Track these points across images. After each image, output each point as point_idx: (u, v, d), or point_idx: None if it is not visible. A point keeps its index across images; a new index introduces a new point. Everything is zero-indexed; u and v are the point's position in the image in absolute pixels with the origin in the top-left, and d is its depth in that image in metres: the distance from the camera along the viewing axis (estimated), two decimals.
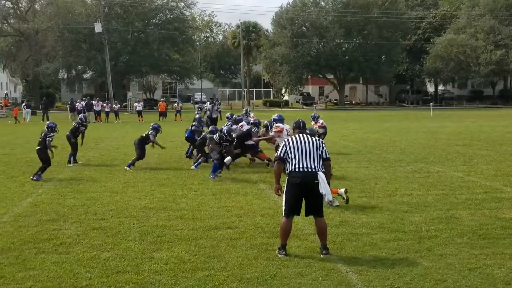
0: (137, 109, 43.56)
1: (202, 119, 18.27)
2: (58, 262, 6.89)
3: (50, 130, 13.61)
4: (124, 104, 59.46)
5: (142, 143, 15.35)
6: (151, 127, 15.64)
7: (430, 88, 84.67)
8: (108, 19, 64.54)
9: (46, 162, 13.38)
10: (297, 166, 7.07)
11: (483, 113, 51.81)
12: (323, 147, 7.28)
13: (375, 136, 25.15)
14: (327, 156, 7.34)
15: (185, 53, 73.33)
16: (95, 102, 42.98)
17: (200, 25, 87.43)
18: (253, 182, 12.67)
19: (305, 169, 7.03)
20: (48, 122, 14.43)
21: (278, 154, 7.30)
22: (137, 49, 66.68)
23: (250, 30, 78.44)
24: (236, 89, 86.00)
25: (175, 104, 46.07)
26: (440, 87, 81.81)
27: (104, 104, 43.03)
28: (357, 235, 8.03)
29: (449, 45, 66.72)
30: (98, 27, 57.55)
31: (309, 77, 77.64)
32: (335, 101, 76.82)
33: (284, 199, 7.22)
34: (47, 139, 13.45)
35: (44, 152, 13.41)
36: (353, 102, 79.25)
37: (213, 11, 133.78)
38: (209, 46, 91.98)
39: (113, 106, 44.09)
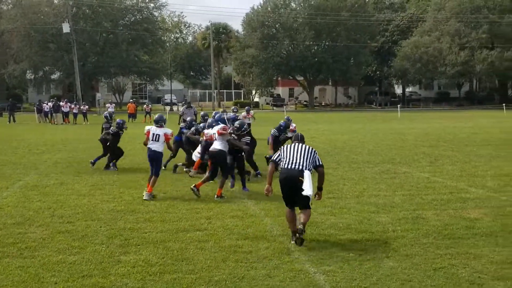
0: (108, 110, 42.98)
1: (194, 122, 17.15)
2: (23, 266, 6.76)
3: (118, 127, 15.18)
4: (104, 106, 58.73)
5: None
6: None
7: (398, 90, 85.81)
8: (76, 19, 63.72)
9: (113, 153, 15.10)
10: (285, 165, 7.96)
11: (449, 114, 52.73)
12: (315, 155, 8.07)
13: (344, 138, 25.37)
14: (320, 163, 8.12)
15: (155, 54, 72.88)
16: (63, 103, 42.31)
17: (170, 26, 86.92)
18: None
19: (291, 166, 7.87)
20: (117, 119, 15.74)
21: (273, 158, 8.25)
22: (105, 50, 65.98)
23: (220, 31, 78.32)
24: (207, 91, 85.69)
25: (145, 105, 45.69)
26: (408, 89, 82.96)
27: (72, 106, 42.42)
28: (325, 236, 8.08)
29: (414, 46, 67.77)
30: (66, 28, 56.73)
31: (279, 78, 77.93)
32: (305, 103, 77.24)
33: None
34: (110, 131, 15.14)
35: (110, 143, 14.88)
36: (323, 104, 79.81)
37: (182, 12, 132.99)
38: (179, 47, 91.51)
39: (81, 107, 43.52)
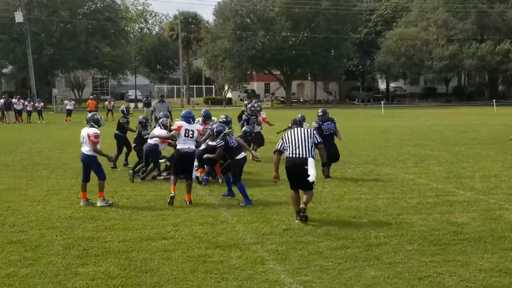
0: (67, 107, 42.58)
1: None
2: None
3: (142, 126, 15.10)
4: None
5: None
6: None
7: (382, 85, 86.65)
8: (30, 8, 62.88)
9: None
10: (290, 154, 9.51)
11: (436, 111, 53.44)
12: (314, 135, 9.68)
13: None
14: (319, 140, 9.68)
15: (117, 46, 72.27)
16: (16, 100, 41.72)
17: (134, 15, 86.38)
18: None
19: (295, 156, 9.42)
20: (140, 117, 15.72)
21: (277, 148, 9.66)
22: (63, 41, 65.25)
23: (189, 21, 78.08)
24: (175, 86, 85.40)
25: (107, 102, 45.27)
26: (392, 84, 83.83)
27: (26, 103, 41.85)
28: (302, 243, 8.11)
29: (400, 39, 68.49)
30: (18, 17, 55.92)
31: (253, 72, 78.03)
32: (281, 99, 77.46)
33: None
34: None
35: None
36: (301, 100, 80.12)
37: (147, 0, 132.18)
38: (144, 39, 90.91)
39: (36, 104, 42.96)
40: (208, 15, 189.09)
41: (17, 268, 7.08)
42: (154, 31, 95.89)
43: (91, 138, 10.94)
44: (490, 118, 38.37)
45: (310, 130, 9.79)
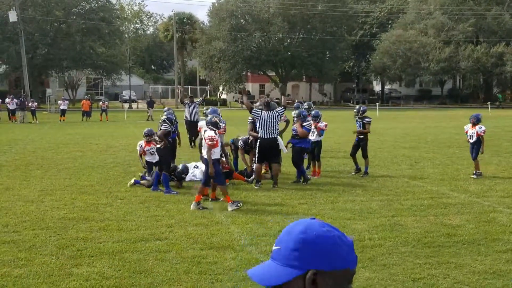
0: (61, 107, 42.46)
1: None
2: None
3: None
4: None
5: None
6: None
7: (377, 87, 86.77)
8: (24, 7, 62.69)
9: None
10: (264, 135, 12.52)
11: (431, 113, 53.55)
12: (281, 115, 12.90)
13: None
14: (283, 118, 13.33)
15: (112, 46, 72.09)
16: (9, 100, 41.60)
17: (129, 16, 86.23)
18: (185, 189, 12.60)
19: (268, 136, 12.51)
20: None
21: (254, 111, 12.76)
22: (57, 41, 65.03)
23: (184, 22, 78.01)
24: (169, 87, 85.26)
25: (101, 102, 45.18)
26: (387, 86, 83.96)
27: (19, 102, 41.73)
28: None
29: (397, 41, 68.62)
30: (12, 16, 55.72)
31: (249, 74, 78.00)
32: (276, 100, 77.32)
33: (256, 153, 12.75)
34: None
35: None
36: (296, 101, 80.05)
37: (143, 0, 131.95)
38: (139, 39, 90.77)
39: (30, 104, 42.86)
40: (203, 16, 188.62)
41: (10, 269, 7.08)
42: (149, 32, 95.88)
43: (206, 141, 10.71)
44: (484, 120, 38.42)
45: (277, 114, 12.62)
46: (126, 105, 61.47)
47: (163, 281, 6.67)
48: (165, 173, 12.24)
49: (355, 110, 14.83)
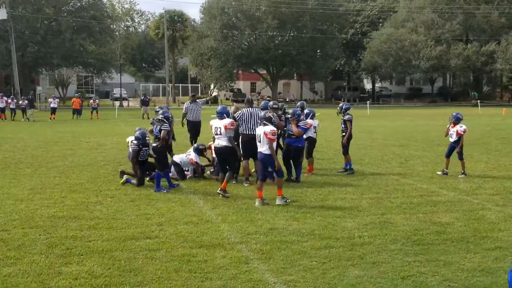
0: (51, 105, 42.28)
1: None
2: None
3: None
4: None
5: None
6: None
7: (368, 85, 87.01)
8: (14, 5, 62.35)
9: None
10: (245, 131, 12.57)
11: (421, 111, 53.75)
12: (262, 112, 11.90)
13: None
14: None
15: (103, 44, 71.92)
16: None
17: (120, 14, 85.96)
18: (176, 187, 12.58)
19: (249, 132, 12.39)
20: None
21: (234, 116, 12.41)
22: (47, 39, 64.75)
23: (175, 20, 77.88)
24: (160, 84, 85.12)
25: (91, 100, 45.04)
26: (378, 84, 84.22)
27: (9, 100, 41.53)
28: (286, 243, 8.14)
29: (388, 39, 68.75)
30: (2, 14, 55.39)
31: (240, 72, 78.00)
32: (267, 98, 77.40)
33: (241, 150, 12.43)
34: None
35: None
36: (287, 99, 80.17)
37: None
38: (130, 37, 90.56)
39: (20, 102, 42.63)
40: (194, 14, 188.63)
41: None
42: (140, 29, 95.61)
43: (268, 136, 10.65)
44: (474, 119, 38.63)
45: (257, 110, 12.72)
46: (117, 103, 61.33)
47: (153, 279, 6.65)
48: (158, 172, 12.24)
49: (338, 108, 14.87)
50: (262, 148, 10.80)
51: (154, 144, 12.48)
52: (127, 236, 8.51)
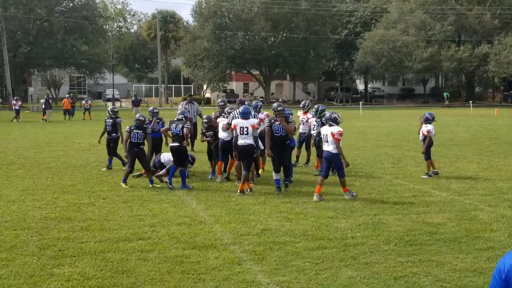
0: (43, 106, 42.05)
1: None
2: None
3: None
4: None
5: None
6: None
7: (360, 86, 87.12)
8: (6, 5, 62.09)
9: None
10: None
11: (414, 112, 53.79)
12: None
13: None
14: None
15: (95, 45, 71.68)
16: None
17: (112, 14, 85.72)
18: (168, 188, 12.56)
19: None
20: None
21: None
22: (39, 39, 64.52)
23: (168, 20, 77.76)
24: (153, 85, 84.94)
25: (84, 101, 44.84)
26: (370, 85, 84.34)
27: (14, 101, 41.31)
28: (279, 244, 8.14)
29: (380, 40, 68.86)
30: None
31: (233, 72, 77.97)
32: (260, 99, 77.38)
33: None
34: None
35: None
36: (280, 100, 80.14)
37: None
38: (122, 37, 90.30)
39: (13, 102, 42.40)
40: (187, 14, 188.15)
41: None
42: (132, 30, 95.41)
43: (335, 136, 11.12)
44: (467, 119, 38.79)
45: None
46: (109, 104, 61.14)
47: (146, 281, 6.64)
48: (182, 168, 12.77)
49: (313, 110, 14.42)
50: (329, 147, 11.23)
51: (174, 144, 12.76)
52: (120, 237, 8.49)
